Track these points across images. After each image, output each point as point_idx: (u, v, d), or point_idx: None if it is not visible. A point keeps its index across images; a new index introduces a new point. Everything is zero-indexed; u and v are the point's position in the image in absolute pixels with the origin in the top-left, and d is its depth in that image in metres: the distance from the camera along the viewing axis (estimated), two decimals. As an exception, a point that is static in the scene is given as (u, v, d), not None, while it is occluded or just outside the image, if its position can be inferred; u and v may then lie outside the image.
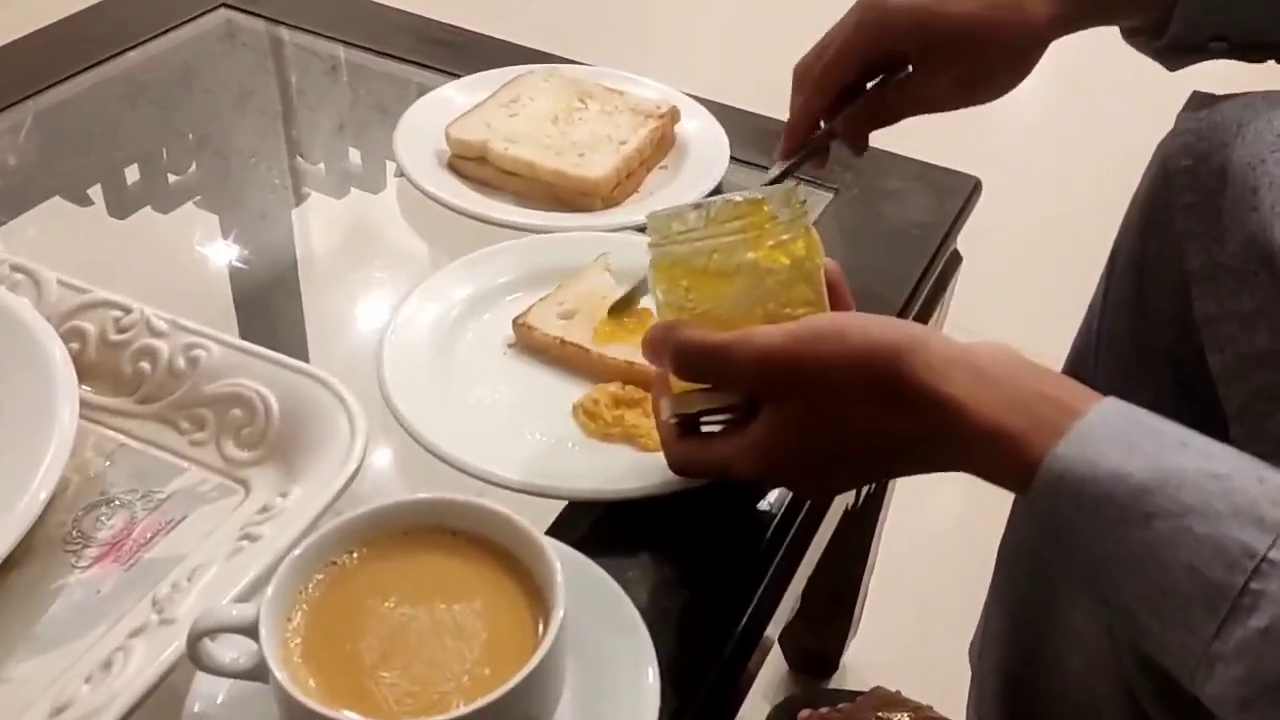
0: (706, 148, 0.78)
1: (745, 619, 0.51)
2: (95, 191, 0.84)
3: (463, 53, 0.90)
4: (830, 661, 1.07)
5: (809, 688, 1.04)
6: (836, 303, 0.50)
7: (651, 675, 0.43)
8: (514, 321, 0.61)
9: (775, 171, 0.62)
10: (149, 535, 0.50)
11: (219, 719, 0.41)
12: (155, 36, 0.93)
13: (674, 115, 0.78)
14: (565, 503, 0.54)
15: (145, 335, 0.56)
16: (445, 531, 0.43)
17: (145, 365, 0.56)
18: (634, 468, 0.54)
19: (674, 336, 0.47)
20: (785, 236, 0.48)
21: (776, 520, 0.54)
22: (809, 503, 0.57)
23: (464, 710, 0.36)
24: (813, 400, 0.44)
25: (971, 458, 0.42)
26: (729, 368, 0.45)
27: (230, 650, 0.40)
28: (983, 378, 0.41)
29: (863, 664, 1.05)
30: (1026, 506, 0.40)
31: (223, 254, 0.77)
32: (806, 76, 0.61)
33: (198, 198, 0.82)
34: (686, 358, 0.47)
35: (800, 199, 0.49)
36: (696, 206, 0.49)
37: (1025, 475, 0.39)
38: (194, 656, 0.40)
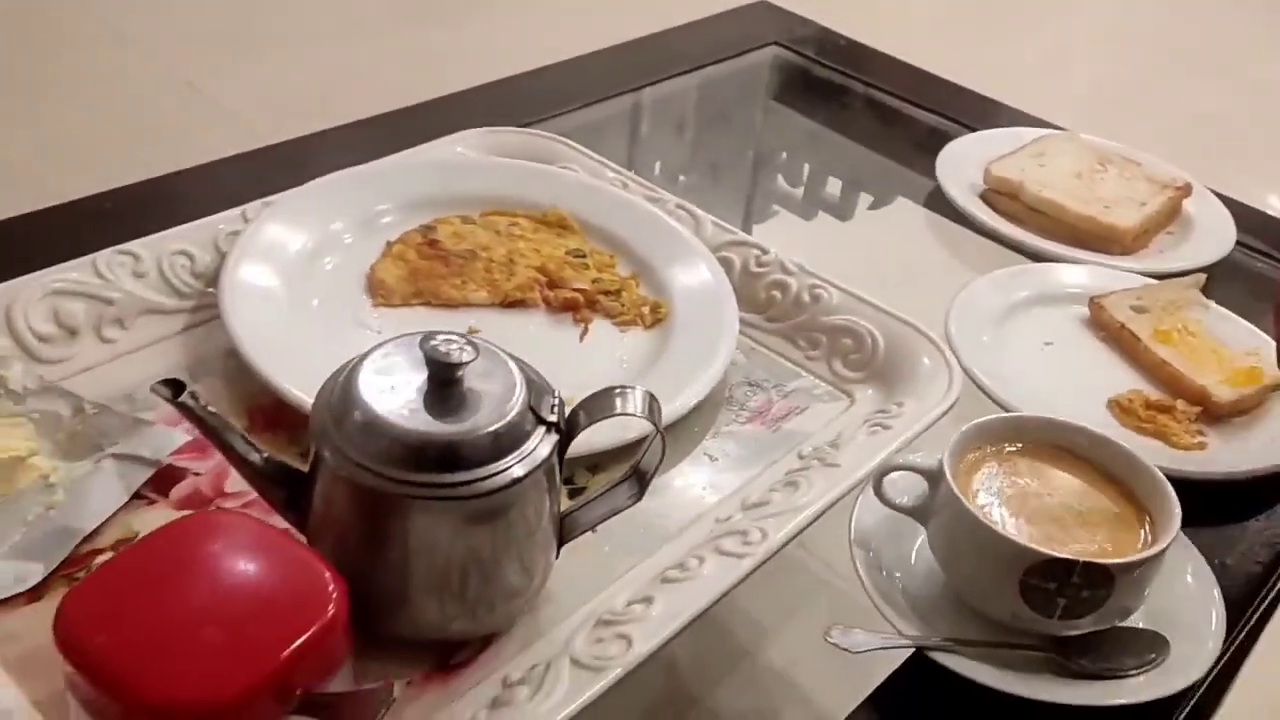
0: (1211, 224, 0.87)
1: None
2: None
3: (967, 111, 1.05)
4: None
5: None
6: None
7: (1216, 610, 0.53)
8: (1091, 299, 0.75)
9: None
10: (784, 413, 0.66)
11: (873, 533, 0.56)
12: (714, 63, 1.14)
13: (1186, 190, 0.88)
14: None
15: (778, 272, 0.73)
16: (1063, 450, 0.55)
17: (776, 294, 0.72)
18: (1166, 456, 0.65)
19: None
20: None
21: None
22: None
23: (1099, 559, 0.48)
24: None
25: None
26: None
27: (897, 494, 0.55)
28: None
29: None
30: None
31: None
32: None
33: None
34: None
35: None
36: None
37: None
38: (878, 488, 0.54)
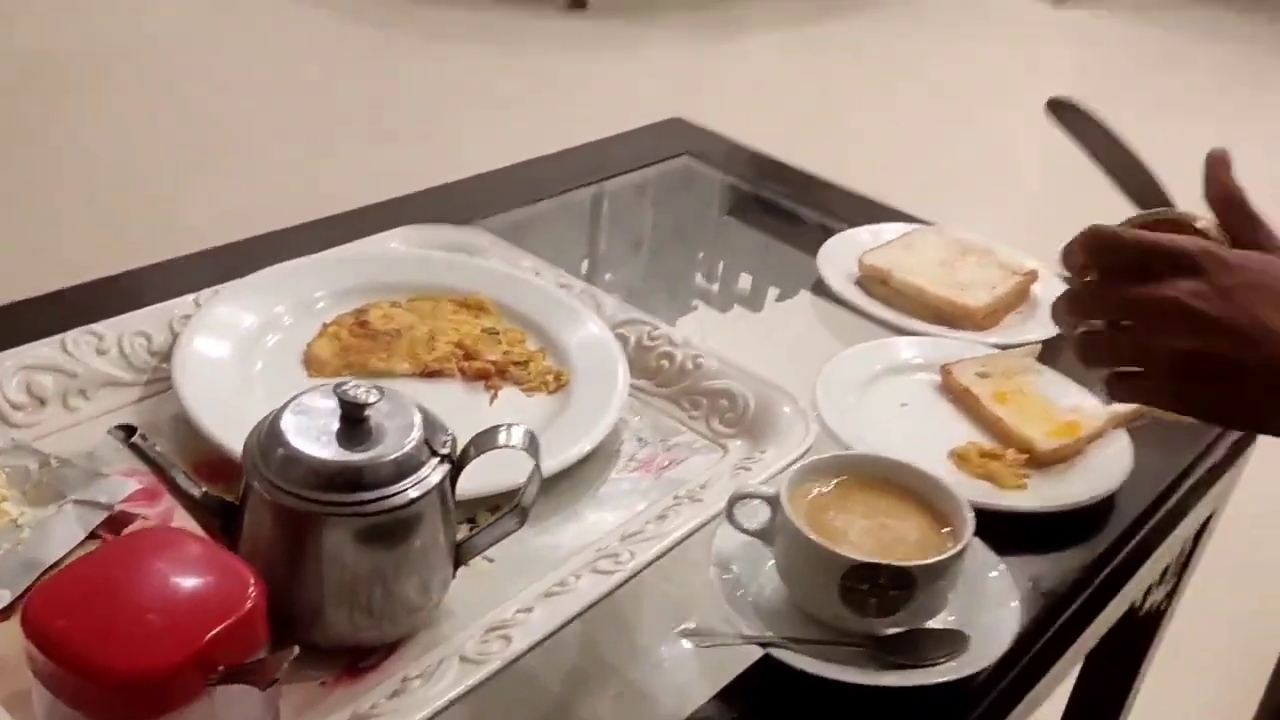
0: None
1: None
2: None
3: (853, 211, 1.18)
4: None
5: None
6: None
7: (1014, 603, 0.63)
8: (942, 366, 0.86)
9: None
10: (666, 463, 0.76)
11: (732, 557, 0.65)
12: (632, 170, 1.27)
13: (1033, 276, 1.01)
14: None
15: (666, 345, 0.84)
16: (885, 480, 0.66)
17: (665, 363, 0.83)
18: (991, 495, 0.75)
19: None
20: None
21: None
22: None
23: (899, 563, 0.58)
24: None
25: None
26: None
27: (748, 521, 0.64)
28: None
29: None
30: None
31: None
32: None
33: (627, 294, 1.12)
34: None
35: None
36: None
37: None
38: (730, 515, 0.64)
